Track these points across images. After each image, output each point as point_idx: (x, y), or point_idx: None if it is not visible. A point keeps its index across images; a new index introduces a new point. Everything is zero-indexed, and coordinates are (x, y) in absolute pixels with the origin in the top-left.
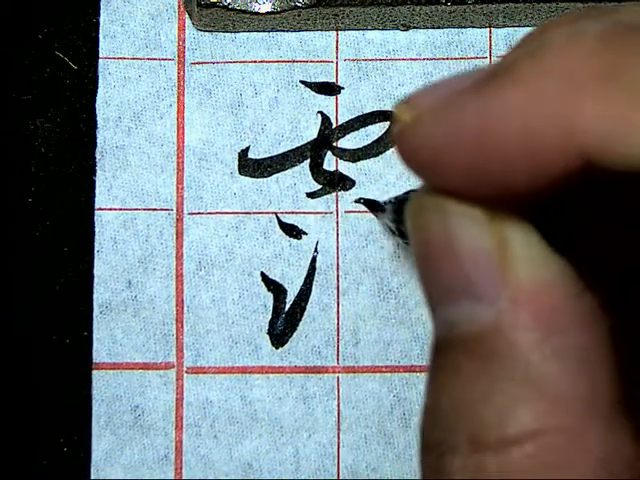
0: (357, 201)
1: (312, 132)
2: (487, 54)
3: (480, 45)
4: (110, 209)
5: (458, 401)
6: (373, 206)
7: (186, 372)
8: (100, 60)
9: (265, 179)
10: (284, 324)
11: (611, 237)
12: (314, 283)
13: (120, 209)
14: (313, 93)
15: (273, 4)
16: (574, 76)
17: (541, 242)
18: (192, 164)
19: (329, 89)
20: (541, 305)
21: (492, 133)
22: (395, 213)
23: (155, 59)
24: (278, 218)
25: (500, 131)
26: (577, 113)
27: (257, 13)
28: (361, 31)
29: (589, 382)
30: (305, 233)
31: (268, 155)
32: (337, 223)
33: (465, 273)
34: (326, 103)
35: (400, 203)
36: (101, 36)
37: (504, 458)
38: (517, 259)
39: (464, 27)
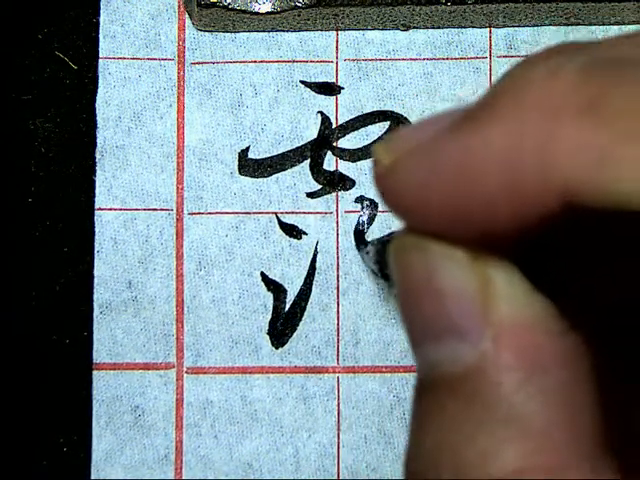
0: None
1: (312, 132)
2: (487, 54)
3: (480, 45)
4: (110, 209)
5: (442, 441)
6: (358, 242)
7: (186, 372)
8: (100, 60)
9: (265, 179)
10: (284, 324)
11: (598, 272)
12: (314, 283)
13: (120, 209)
14: (313, 93)
15: (273, 4)
16: (555, 110)
17: (523, 281)
18: (192, 164)
19: (329, 89)
20: (524, 344)
21: (472, 172)
22: (378, 254)
23: (155, 59)
24: (278, 218)
25: (480, 169)
26: (559, 147)
27: (257, 13)
28: (361, 31)
29: (573, 421)
30: (305, 233)
31: (268, 155)
32: (337, 223)
33: (447, 313)
34: (326, 103)
35: (383, 245)
36: (101, 36)
37: None
38: (499, 298)
39: (464, 27)
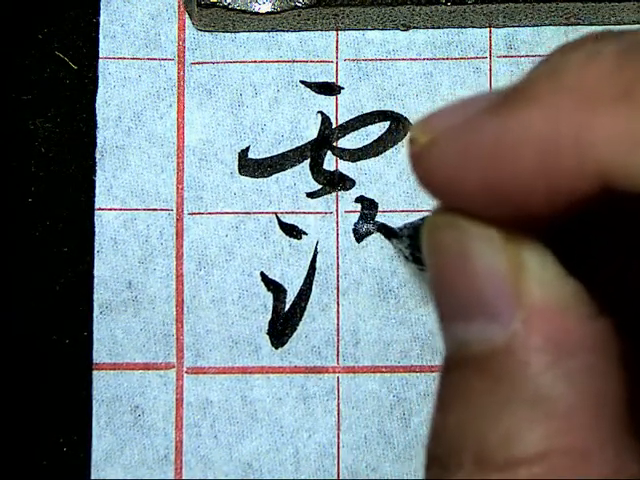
0: (378, 229)
1: (312, 132)
2: (487, 54)
3: (480, 45)
4: (110, 209)
5: (466, 419)
6: (388, 233)
7: (186, 372)
8: (100, 60)
9: (265, 179)
10: (284, 324)
11: (631, 257)
12: (314, 283)
13: (120, 209)
14: (313, 93)
15: (273, 4)
16: (592, 95)
17: (556, 264)
18: (192, 164)
19: (329, 89)
20: (554, 327)
21: (509, 153)
22: (410, 239)
23: (155, 59)
24: (278, 218)
25: (517, 151)
26: (594, 132)
27: (257, 13)
28: (361, 31)
29: (598, 405)
30: (305, 233)
31: (268, 155)
32: (337, 223)
33: (479, 292)
34: (326, 103)
35: (415, 229)
36: (101, 36)
37: (510, 479)
38: (532, 280)
39: (464, 27)
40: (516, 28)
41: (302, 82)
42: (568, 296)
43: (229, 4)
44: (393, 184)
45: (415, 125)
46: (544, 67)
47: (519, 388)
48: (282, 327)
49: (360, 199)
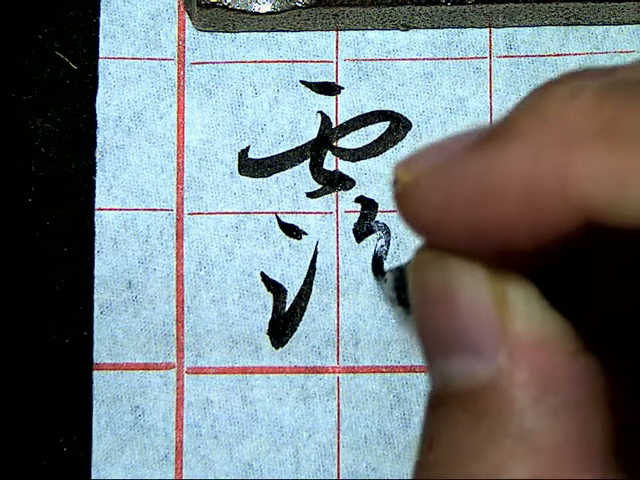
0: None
1: (312, 132)
2: (487, 54)
3: (480, 45)
4: (110, 209)
5: (452, 455)
6: (377, 269)
7: (186, 372)
8: (100, 60)
9: (265, 179)
10: (284, 324)
11: (615, 292)
12: (314, 283)
13: (120, 209)
14: (313, 93)
15: (273, 4)
16: (574, 132)
17: (541, 299)
18: (192, 164)
19: (329, 89)
20: (539, 362)
21: (492, 193)
22: (397, 280)
23: (155, 59)
24: (278, 218)
25: (501, 189)
26: (578, 170)
27: (257, 13)
28: (361, 31)
29: (584, 439)
30: (305, 233)
31: (268, 155)
32: (337, 223)
33: (464, 328)
34: (326, 103)
35: (401, 269)
36: (101, 36)
37: None
38: (516, 315)
39: (464, 27)
40: (516, 28)
41: (302, 82)
42: (553, 331)
43: (229, 4)
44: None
45: (398, 165)
46: (526, 104)
47: (504, 423)
48: (282, 327)
49: (360, 199)
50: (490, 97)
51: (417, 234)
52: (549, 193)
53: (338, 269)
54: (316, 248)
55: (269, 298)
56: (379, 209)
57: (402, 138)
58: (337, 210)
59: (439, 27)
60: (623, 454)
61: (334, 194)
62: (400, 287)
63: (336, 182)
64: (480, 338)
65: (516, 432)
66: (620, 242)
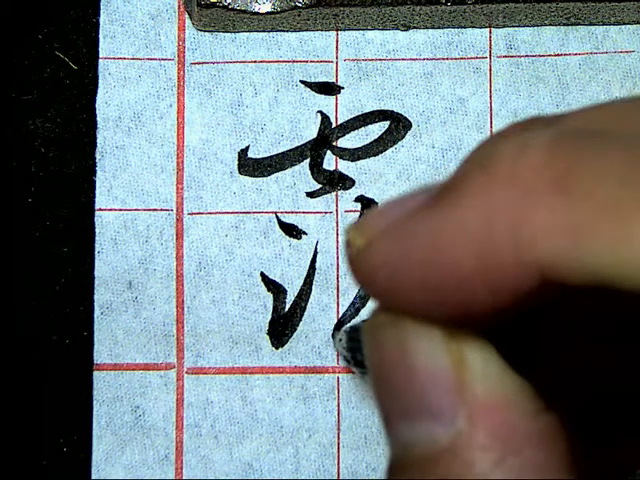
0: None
1: (312, 132)
2: (487, 54)
3: (480, 45)
4: (110, 209)
5: None
6: (336, 328)
7: (186, 373)
8: (100, 60)
9: (265, 179)
10: (284, 324)
11: (576, 350)
12: (314, 283)
13: (120, 209)
14: (313, 93)
15: (273, 4)
16: (526, 189)
17: (499, 360)
18: (192, 164)
19: (329, 89)
20: (498, 424)
21: (444, 254)
22: (351, 341)
23: (155, 59)
24: (278, 218)
25: (453, 249)
26: (532, 227)
27: (257, 13)
28: (361, 31)
29: None
30: (305, 233)
31: (268, 155)
32: (337, 223)
33: (421, 392)
34: (326, 103)
35: (356, 330)
36: (101, 36)
37: None
38: (474, 377)
39: (464, 27)
40: (516, 28)
41: (302, 82)
42: (512, 392)
43: (229, 4)
44: (393, 184)
45: (350, 228)
46: (475, 160)
47: None
48: (282, 327)
49: (360, 199)
50: (490, 97)
51: (372, 296)
52: (503, 253)
53: (338, 269)
54: (316, 248)
55: (269, 298)
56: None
57: (402, 138)
58: (337, 210)
59: (439, 27)
60: None
61: (334, 194)
62: (355, 348)
63: (336, 182)
64: (438, 402)
65: None
66: (577, 298)
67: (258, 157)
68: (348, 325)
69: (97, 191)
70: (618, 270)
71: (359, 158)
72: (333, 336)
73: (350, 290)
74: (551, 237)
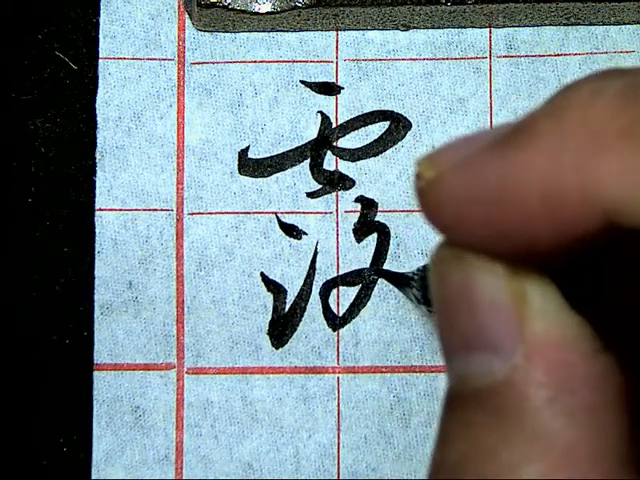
0: (379, 274)
1: (312, 132)
2: (487, 54)
3: (480, 45)
4: (110, 209)
5: (466, 454)
6: (399, 280)
7: (187, 373)
8: (100, 60)
9: (265, 179)
10: (284, 324)
11: (634, 295)
12: (314, 283)
13: (120, 209)
14: (313, 93)
15: (273, 4)
16: (595, 134)
17: (560, 299)
18: (192, 164)
19: (329, 89)
20: (555, 362)
21: (513, 191)
22: (422, 280)
23: (155, 59)
24: (278, 218)
25: (521, 189)
26: (598, 171)
27: (257, 13)
28: (361, 31)
29: (599, 441)
30: (305, 233)
31: (268, 155)
32: (337, 223)
33: (482, 325)
34: (326, 103)
35: (427, 270)
36: (101, 36)
37: None
38: (534, 315)
39: (464, 27)
40: (516, 28)
41: (302, 82)
42: (571, 331)
43: (229, 4)
44: (393, 184)
45: (421, 160)
46: (547, 106)
47: (518, 423)
48: (282, 327)
49: (360, 199)
50: (490, 97)
51: (438, 230)
52: (570, 195)
53: (338, 269)
54: (316, 248)
55: (269, 298)
56: (379, 209)
57: (402, 138)
58: (337, 210)
59: (439, 27)
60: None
61: (334, 194)
62: (425, 286)
63: (336, 182)
64: (497, 336)
65: (529, 433)
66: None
67: (258, 157)
68: (420, 266)
69: (97, 191)
70: None
71: (359, 158)
72: (398, 284)
73: (350, 290)
74: (617, 180)
